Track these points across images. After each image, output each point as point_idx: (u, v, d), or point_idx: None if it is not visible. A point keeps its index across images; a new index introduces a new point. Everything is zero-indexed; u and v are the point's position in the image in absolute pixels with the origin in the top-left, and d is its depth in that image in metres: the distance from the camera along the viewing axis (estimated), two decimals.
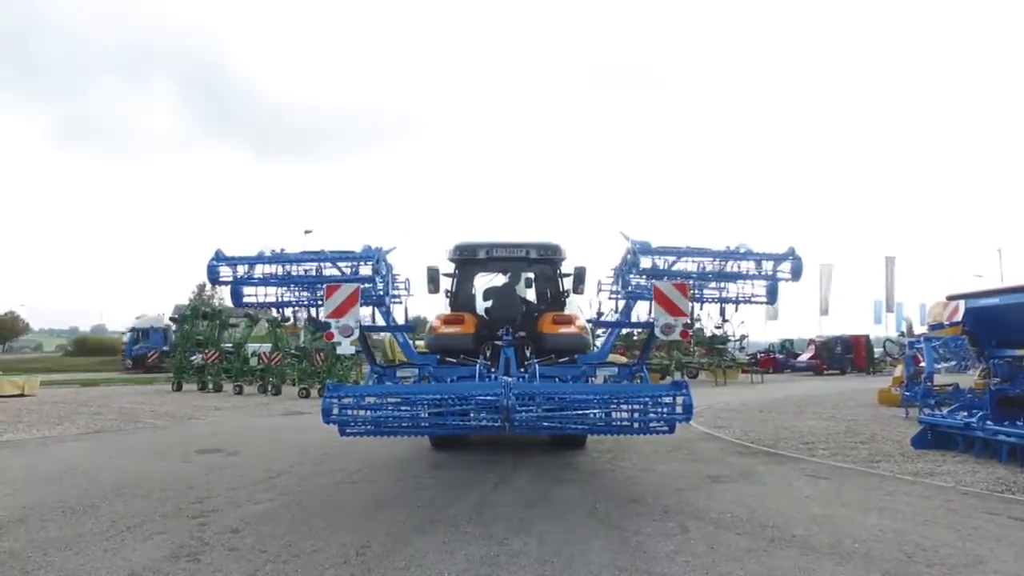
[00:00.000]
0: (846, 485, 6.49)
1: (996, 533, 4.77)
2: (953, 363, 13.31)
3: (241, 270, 7.06)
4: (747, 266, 6.92)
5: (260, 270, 7.03)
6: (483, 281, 9.08)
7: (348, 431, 5.80)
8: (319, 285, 7.09)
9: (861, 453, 8.48)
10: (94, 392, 20.95)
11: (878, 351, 37.20)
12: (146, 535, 4.70)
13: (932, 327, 12.53)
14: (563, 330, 7.82)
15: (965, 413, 8.65)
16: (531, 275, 9.22)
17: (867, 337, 37.92)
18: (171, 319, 23.86)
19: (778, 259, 6.84)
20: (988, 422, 7.94)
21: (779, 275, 6.89)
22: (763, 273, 6.91)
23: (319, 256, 6.97)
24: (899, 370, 15.88)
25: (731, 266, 6.92)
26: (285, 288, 7.37)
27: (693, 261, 6.87)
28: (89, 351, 54.30)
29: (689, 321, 6.27)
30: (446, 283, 8.76)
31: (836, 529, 4.85)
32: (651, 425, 5.77)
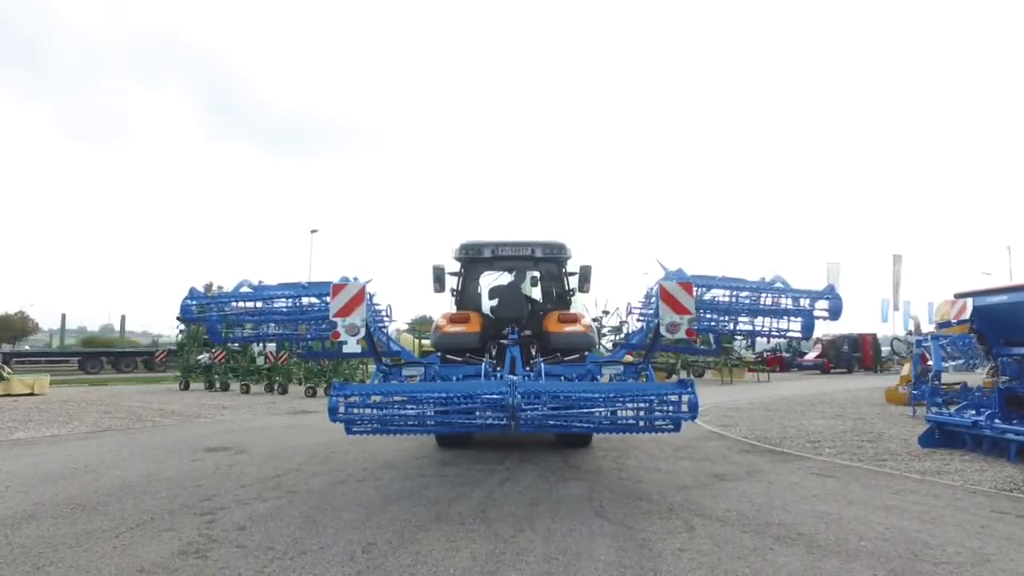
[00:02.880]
0: (853, 484, 6.48)
1: (1004, 532, 4.75)
2: (961, 361, 13.26)
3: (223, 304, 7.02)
4: (782, 300, 6.73)
5: (237, 306, 6.97)
6: (489, 280, 9.10)
7: (354, 429, 5.82)
8: (300, 321, 7.03)
9: (868, 452, 8.45)
10: (103, 391, 21.10)
11: (885, 349, 37.04)
12: (155, 532, 4.74)
13: (940, 325, 12.46)
14: (569, 329, 7.82)
15: (973, 411, 8.61)
16: (537, 274, 9.23)
17: (874, 335, 37.77)
18: (179, 319, 23.95)
19: (815, 296, 6.67)
20: (996, 420, 7.90)
21: (817, 313, 6.72)
22: (799, 308, 6.72)
23: (296, 288, 6.96)
24: (906, 368, 15.83)
25: (764, 299, 6.75)
26: (264, 324, 7.30)
27: (726, 294, 6.72)
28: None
29: (694, 319, 6.21)
30: (452, 282, 8.78)
31: (842, 527, 4.84)
32: (657, 424, 5.76)
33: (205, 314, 7.07)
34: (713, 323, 7.06)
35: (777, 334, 7.02)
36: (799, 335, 6.97)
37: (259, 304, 6.99)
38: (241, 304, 7.04)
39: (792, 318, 6.81)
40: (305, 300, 6.88)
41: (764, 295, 6.74)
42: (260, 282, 7.12)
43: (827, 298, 6.64)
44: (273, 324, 7.30)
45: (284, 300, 6.91)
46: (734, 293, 6.76)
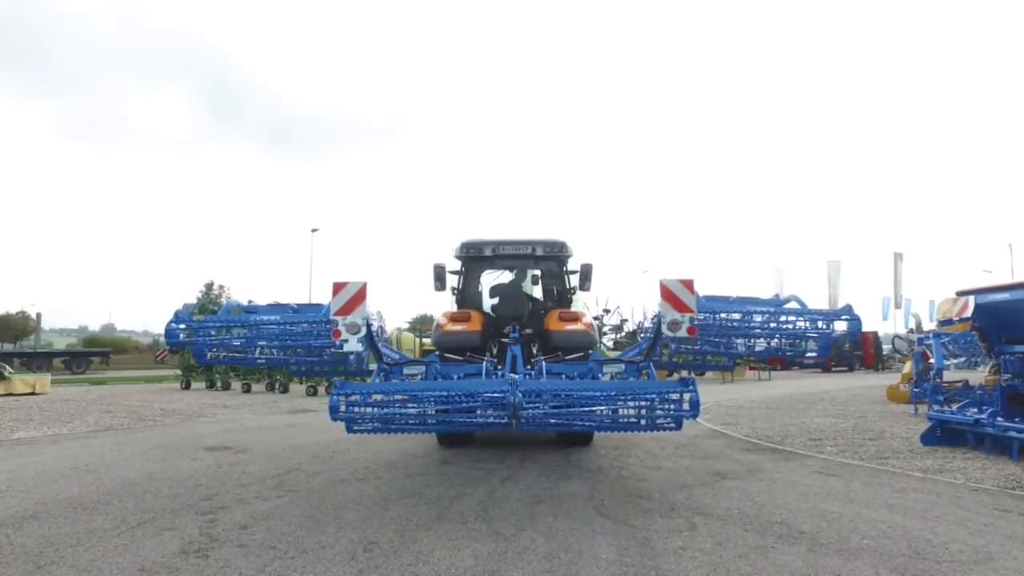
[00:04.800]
0: (854, 482, 6.46)
1: (1007, 530, 4.74)
2: (963, 359, 13.19)
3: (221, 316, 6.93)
4: (799, 321, 6.62)
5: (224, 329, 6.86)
6: (490, 278, 9.09)
7: (355, 428, 5.80)
8: (290, 345, 6.94)
9: (869, 450, 8.44)
10: (104, 391, 21.12)
11: (887, 348, 36.98)
12: (156, 531, 4.74)
13: (941, 323, 12.45)
14: (570, 327, 7.81)
15: (975, 409, 8.59)
16: (538, 272, 9.23)
17: (875, 334, 37.71)
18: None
19: (832, 317, 6.61)
20: (998, 418, 7.88)
21: (835, 333, 6.62)
22: (817, 329, 6.58)
23: (284, 311, 6.90)
24: (908, 367, 15.81)
25: (780, 319, 6.63)
26: (251, 349, 7.20)
27: (741, 313, 6.61)
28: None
29: (695, 317, 6.19)
30: (452, 281, 8.78)
31: (844, 525, 4.83)
32: (658, 422, 5.74)
33: (192, 338, 6.95)
34: (725, 347, 6.98)
35: (792, 353, 6.90)
36: (815, 355, 6.86)
37: (247, 329, 6.86)
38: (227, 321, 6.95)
39: (809, 339, 6.67)
40: (296, 328, 6.76)
41: (780, 317, 6.64)
42: (250, 301, 7.09)
43: (846, 318, 6.55)
44: (263, 348, 7.21)
45: (273, 325, 6.81)
46: (748, 315, 6.66)
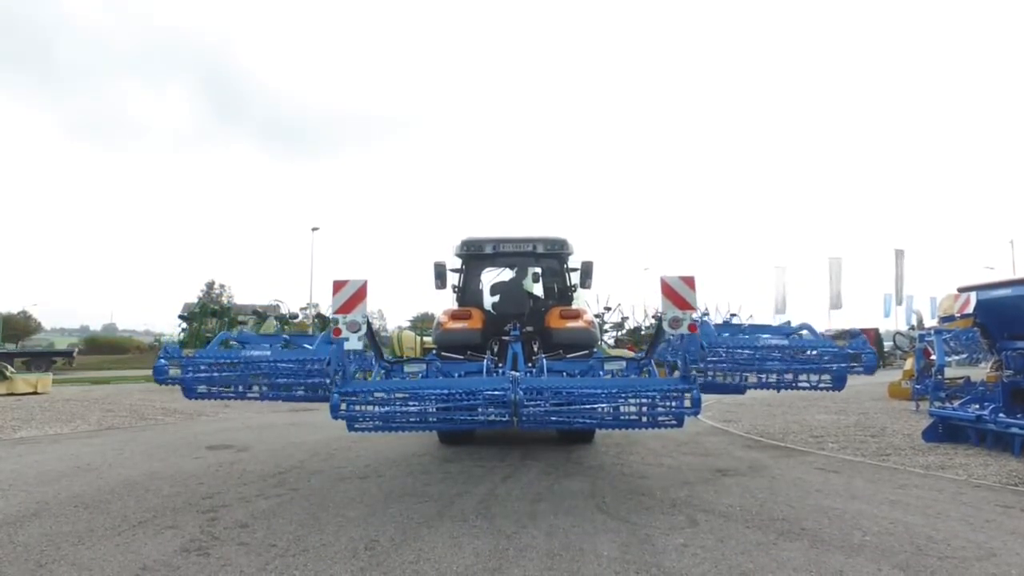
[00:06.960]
0: (856, 478, 6.46)
1: (1009, 526, 4.73)
2: (964, 356, 13.17)
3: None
4: (809, 351, 6.51)
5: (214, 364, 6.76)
6: (490, 276, 9.09)
7: (356, 427, 5.79)
8: (283, 379, 6.88)
9: (871, 446, 8.43)
10: (105, 390, 21.14)
11: (888, 344, 36.96)
12: (157, 530, 4.74)
13: (943, 320, 12.42)
14: (571, 324, 7.82)
15: (977, 406, 8.59)
16: (538, 270, 9.22)
17: (876, 331, 37.69)
18: (180, 317, 24.13)
19: (845, 352, 6.52)
20: (1000, 415, 7.88)
21: (850, 372, 6.53)
22: (830, 362, 6.50)
23: (276, 340, 6.84)
24: (909, 363, 15.81)
25: (791, 350, 6.55)
26: (242, 385, 7.11)
27: (753, 349, 6.53)
28: (101, 350, 54.79)
29: (697, 315, 6.16)
30: (453, 279, 8.78)
31: (846, 522, 4.82)
32: (659, 419, 5.72)
33: (180, 375, 6.84)
34: (735, 379, 6.92)
35: (806, 385, 6.79)
36: (829, 387, 6.73)
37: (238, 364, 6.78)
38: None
39: (822, 372, 6.55)
40: (283, 365, 6.68)
41: (794, 350, 6.55)
42: (240, 330, 7.06)
43: (861, 352, 6.47)
44: (256, 381, 7.13)
45: (264, 363, 6.74)
46: (759, 349, 6.57)
